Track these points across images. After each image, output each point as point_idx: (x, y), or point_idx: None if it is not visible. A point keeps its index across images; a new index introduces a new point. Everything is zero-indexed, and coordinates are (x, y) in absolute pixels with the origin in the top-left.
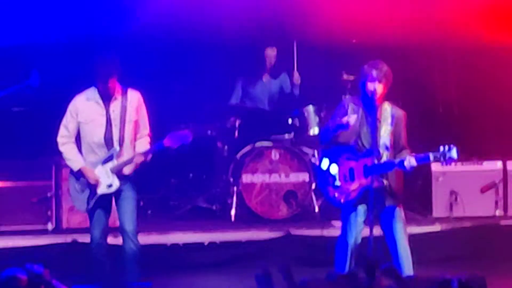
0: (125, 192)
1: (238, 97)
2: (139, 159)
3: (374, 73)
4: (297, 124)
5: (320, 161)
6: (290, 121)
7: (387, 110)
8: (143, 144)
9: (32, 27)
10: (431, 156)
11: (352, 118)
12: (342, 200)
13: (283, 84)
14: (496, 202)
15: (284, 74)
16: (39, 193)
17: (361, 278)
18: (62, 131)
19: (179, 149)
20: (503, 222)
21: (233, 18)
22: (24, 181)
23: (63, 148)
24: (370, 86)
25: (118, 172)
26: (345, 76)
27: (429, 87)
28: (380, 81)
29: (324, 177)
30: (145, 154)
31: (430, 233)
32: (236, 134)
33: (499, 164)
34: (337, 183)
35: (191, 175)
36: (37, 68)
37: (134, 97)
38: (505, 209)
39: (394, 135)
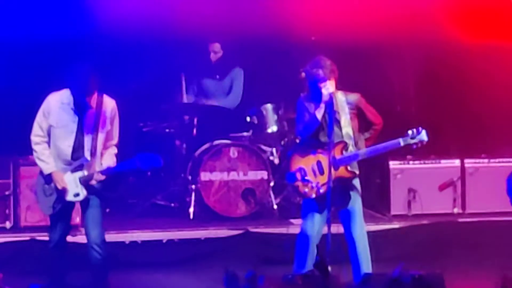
0: (92, 201)
1: (193, 94)
2: (99, 178)
3: (321, 72)
4: (256, 122)
5: (288, 158)
6: (248, 119)
7: (341, 99)
8: (110, 156)
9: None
10: (401, 141)
11: (320, 113)
12: (313, 195)
13: (236, 80)
14: (454, 200)
15: (238, 69)
16: None
17: (318, 277)
18: (36, 129)
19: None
20: (461, 220)
21: (179, 15)
22: None
23: (37, 147)
24: (324, 86)
25: (85, 183)
26: (303, 74)
27: (387, 85)
28: (330, 78)
29: (292, 173)
30: (108, 172)
31: (388, 230)
32: (194, 132)
33: (457, 162)
34: (307, 177)
35: (149, 173)
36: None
37: (109, 106)
38: (463, 206)
39: (357, 121)
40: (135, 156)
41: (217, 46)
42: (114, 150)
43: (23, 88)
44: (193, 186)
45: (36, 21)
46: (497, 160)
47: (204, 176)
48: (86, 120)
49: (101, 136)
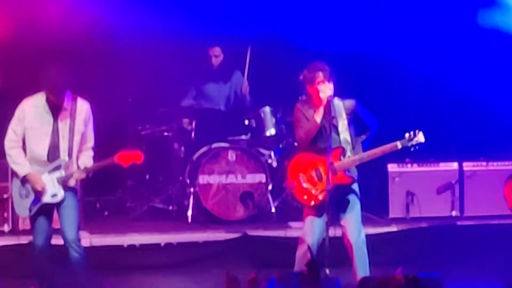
0: (67, 201)
1: (192, 98)
2: (81, 176)
3: (321, 75)
4: (254, 125)
5: (286, 164)
6: (246, 122)
7: (339, 105)
8: (87, 158)
9: None
10: (399, 143)
11: (319, 117)
12: (312, 203)
13: (237, 83)
14: (453, 203)
15: (237, 72)
16: None
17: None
18: (10, 134)
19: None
20: (460, 223)
21: (178, 20)
22: None
23: (10, 151)
24: (322, 87)
25: (63, 183)
26: (301, 77)
27: (385, 90)
28: (329, 81)
29: (291, 180)
30: (88, 170)
31: (386, 233)
32: (193, 135)
33: (455, 165)
34: (305, 185)
35: (147, 176)
36: None
37: (83, 108)
38: (461, 210)
39: (353, 125)
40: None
41: (217, 50)
42: (91, 152)
43: (17, 94)
44: (191, 189)
45: (35, 24)
46: (495, 163)
47: (202, 179)
48: (61, 122)
49: (76, 138)
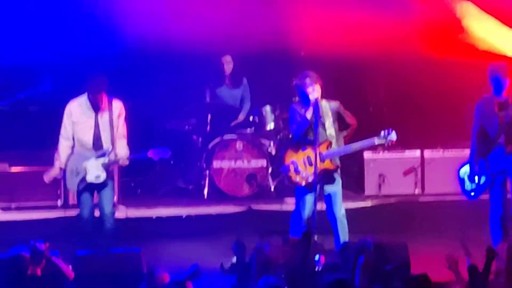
0: (106, 182)
1: (208, 98)
2: (124, 163)
3: (308, 80)
4: (257, 121)
5: (282, 153)
6: (251, 118)
7: (326, 106)
8: (123, 146)
9: (47, 48)
10: (376, 140)
11: (309, 114)
12: (303, 183)
13: (244, 91)
14: (416, 183)
15: (244, 79)
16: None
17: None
18: (62, 130)
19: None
20: (421, 199)
21: (196, 34)
22: (39, 166)
23: (60, 145)
24: (311, 90)
25: (106, 167)
26: (295, 82)
27: (362, 91)
28: (316, 83)
29: (286, 165)
30: (130, 160)
31: (363, 208)
32: (208, 128)
33: (417, 152)
34: (299, 169)
35: (172, 162)
36: (50, 77)
37: (117, 106)
38: (423, 188)
39: (337, 123)
40: (149, 149)
41: (228, 58)
42: (124, 141)
43: (68, 94)
44: (207, 172)
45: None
46: (449, 150)
47: (216, 164)
48: (101, 117)
49: (114, 130)
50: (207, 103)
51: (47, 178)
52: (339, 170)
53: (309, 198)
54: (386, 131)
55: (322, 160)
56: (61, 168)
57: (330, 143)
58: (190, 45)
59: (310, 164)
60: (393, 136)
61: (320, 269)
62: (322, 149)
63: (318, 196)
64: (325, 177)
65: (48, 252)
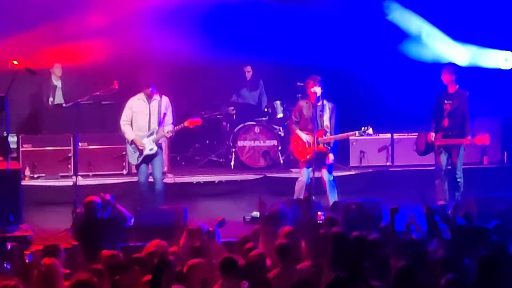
0: (158, 154)
1: (234, 96)
2: (167, 135)
3: (312, 82)
4: (270, 111)
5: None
6: (266, 109)
7: (326, 105)
8: (169, 126)
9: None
10: (357, 132)
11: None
12: (304, 159)
13: (261, 90)
14: (387, 157)
15: (261, 81)
16: (118, 152)
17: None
18: (122, 117)
19: (198, 127)
20: (391, 169)
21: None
22: (109, 145)
23: (124, 127)
24: (314, 89)
25: (156, 142)
26: (298, 83)
27: (349, 94)
28: (318, 86)
29: (293, 144)
30: (170, 132)
31: (348, 175)
32: (234, 117)
33: (388, 135)
34: (300, 149)
35: (207, 141)
36: (117, 79)
37: (165, 100)
38: (392, 161)
39: (331, 119)
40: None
41: (249, 68)
42: (171, 126)
43: (127, 93)
44: (233, 149)
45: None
46: (412, 134)
47: (240, 143)
48: (152, 107)
49: (161, 116)
50: (233, 100)
51: (141, 145)
52: (331, 152)
53: (309, 169)
54: (366, 127)
55: (318, 144)
56: (132, 141)
57: (325, 132)
58: (221, 58)
59: (309, 146)
60: (370, 131)
61: (321, 222)
62: (319, 135)
63: (314, 168)
64: (320, 156)
65: (113, 200)
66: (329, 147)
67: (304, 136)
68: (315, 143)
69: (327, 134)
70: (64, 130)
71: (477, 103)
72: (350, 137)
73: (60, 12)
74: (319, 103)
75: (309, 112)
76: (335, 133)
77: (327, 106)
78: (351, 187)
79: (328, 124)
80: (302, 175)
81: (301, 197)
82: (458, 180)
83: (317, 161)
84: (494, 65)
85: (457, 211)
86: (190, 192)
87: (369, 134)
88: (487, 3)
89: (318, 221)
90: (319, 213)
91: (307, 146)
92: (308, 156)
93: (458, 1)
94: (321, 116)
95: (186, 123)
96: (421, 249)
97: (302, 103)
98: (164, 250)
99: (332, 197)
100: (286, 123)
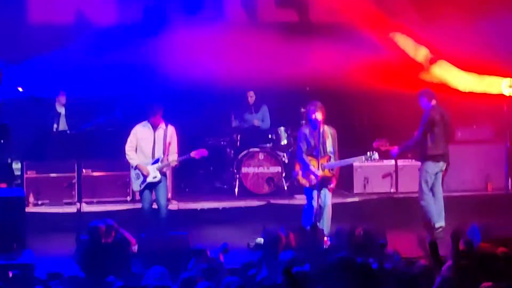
0: (162, 181)
1: (237, 122)
2: (173, 165)
3: (313, 108)
4: (274, 138)
5: (293, 163)
6: (270, 136)
7: (327, 131)
8: (173, 155)
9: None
10: (363, 157)
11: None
12: (307, 185)
13: (264, 115)
14: (391, 184)
15: (264, 106)
16: (122, 179)
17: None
18: (128, 144)
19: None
20: (395, 196)
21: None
22: (114, 172)
23: (129, 153)
24: (316, 116)
25: (160, 170)
26: (302, 110)
27: (352, 116)
28: (319, 111)
29: (295, 171)
30: (176, 162)
31: (352, 202)
32: (238, 144)
33: (392, 161)
34: (305, 174)
35: (211, 168)
36: (120, 107)
37: (170, 129)
38: (396, 188)
39: (333, 145)
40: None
41: (252, 93)
42: (175, 154)
43: (132, 121)
44: (237, 176)
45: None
46: (416, 161)
47: (244, 170)
48: (157, 135)
49: (166, 145)
50: (237, 125)
51: (146, 171)
52: (334, 178)
53: (315, 196)
54: (371, 152)
55: (323, 169)
56: (137, 166)
57: (330, 157)
58: (225, 84)
59: (313, 172)
60: (376, 156)
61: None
62: (323, 161)
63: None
64: (324, 181)
65: (117, 226)
66: (334, 173)
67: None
68: (320, 169)
69: (331, 159)
70: (68, 157)
71: (480, 130)
72: (354, 164)
73: (64, 40)
74: (322, 129)
75: (312, 139)
76: (337, 158)
77: (329, 131)
78: (355, 214)
79: (332, 150)
80: (310, 202)
81: (310, 224)
82: None
83: (321, 186)
84: (498, 91)
85: (460, 238)
86: (194, 219)
87: (374, 160)
88: (491, 29)
89: (325, 247)
90: (325, 238)
91: (310, 170)
92: (312, 182)
93: (461, 28)
94: (324, 142)
95: (192, 154)
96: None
97: (305, 130)
98: None
99: (328, 222)
100: (290, 150)
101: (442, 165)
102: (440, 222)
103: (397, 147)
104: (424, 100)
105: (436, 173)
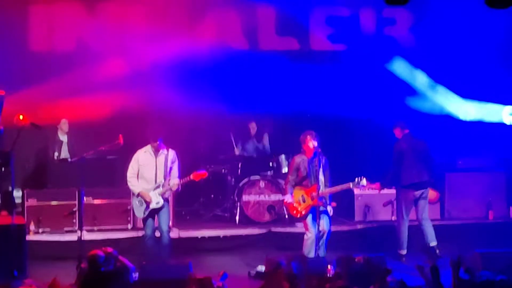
0: (164, 207)
1: (239, 150)
2: (174, 189)
3: (309, 137)
4: (275, 165)
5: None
6: (271, 164)
7: (321, 159)
8: (175, 180)
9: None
10: (351, 184)
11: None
12: (298, 215)
13: (265, 144)
14: (392, 212)
15: (266, 135)
16: (123, 207)
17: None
18: (129, 170)
19: (203, 181)
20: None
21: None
22: (114, 199)
23: (130, 179)
24: (311, 144)
25: (162, 195)
26: (300, 139)
27: (345, 141)
28: (314, 140)
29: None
30: (178, 186)
31: (353, 230)
32: (239, 172)
33: (393, 190)
34: (295, 204)
35: (212, 195)
36: (122, 134)
37: (171, 153)
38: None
39: (325, 172)
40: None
41: (253, 124)
42: (177, 179)
43: (130, 148)
44: (238, 204)
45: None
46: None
47: (245, 198)
48: (159, 160)
49: (167, 170)
50: (238, 154)
51: (148, 198)
52: (329, 206)
53: (313, 223)
54: (359, 178)
55: (313, 198)
56: (139, 194)
57: (319, 187)
58: (226, 112)
59: (304, 201)
60: (364, 182)
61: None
62: (313, 190)
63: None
64: (317, 210)
65: (115, 253)
66: (324, 201)
67: (296, 196)
68: (311, 198)
69: (321, 188)
70: (69, 185)
71: (482, 158)
72: (355, 192)
73: (66, 68)
74: (316, 158)
75: (305, 168)
76: (330, 186)
77: (322, 160)
78: (356, 242)
79: (323, 178)
80: (310, 230)
81: (311, 253)
82: None
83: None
84: (498, 120)
85: (461, 265)
86: (195, 247)
87: (363, 186)
88: (490, 58)
89: (328, 276)
90: (329, 267)
91: (301, 201)
92: (303, 212)
93: (462, 57)
94: (317, 171)
95: (192, 176)
96: None
97: (298, 159)
98: None
99: (323, 249)
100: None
101: (418, 193)
102: (432, 242)
103: (379, 184)
104: (397, 130)
105: (416, 200)
